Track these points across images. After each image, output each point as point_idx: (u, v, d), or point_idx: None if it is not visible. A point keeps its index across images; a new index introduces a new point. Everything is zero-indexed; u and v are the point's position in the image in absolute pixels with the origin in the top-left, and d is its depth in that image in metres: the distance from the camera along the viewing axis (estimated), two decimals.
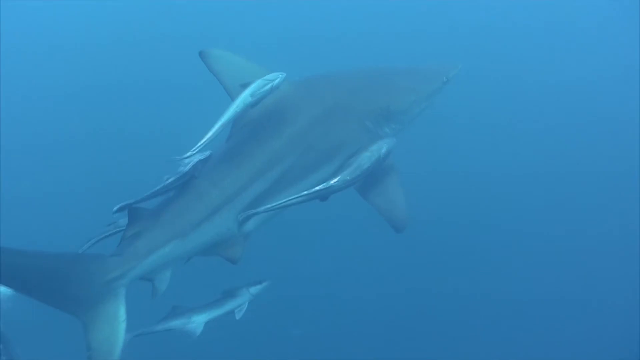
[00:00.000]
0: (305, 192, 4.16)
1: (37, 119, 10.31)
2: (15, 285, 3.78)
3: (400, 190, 4.48)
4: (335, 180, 4.18)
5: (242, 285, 4.86)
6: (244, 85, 4.31)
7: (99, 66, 11.03)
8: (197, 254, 4.35)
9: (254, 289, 4.85)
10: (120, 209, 4.03)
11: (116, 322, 3.89)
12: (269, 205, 4.18)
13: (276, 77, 4.33)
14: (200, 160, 4.18)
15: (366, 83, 5.00)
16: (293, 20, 11.58)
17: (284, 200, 4.16)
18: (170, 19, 12.03)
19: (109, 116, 10.30)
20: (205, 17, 11.73)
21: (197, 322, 4.68)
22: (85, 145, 9.94)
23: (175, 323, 4.68)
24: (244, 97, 4.25)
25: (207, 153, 4.25)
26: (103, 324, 3.86)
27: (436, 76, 5.21)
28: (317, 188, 4.15)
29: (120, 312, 3.92)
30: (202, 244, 4.28)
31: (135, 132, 9.93)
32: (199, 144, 4.09)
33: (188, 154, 4.09)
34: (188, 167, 4.14)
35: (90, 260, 3.92)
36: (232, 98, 4.37)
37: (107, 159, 9.45)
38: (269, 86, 4.30)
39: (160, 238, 4.09)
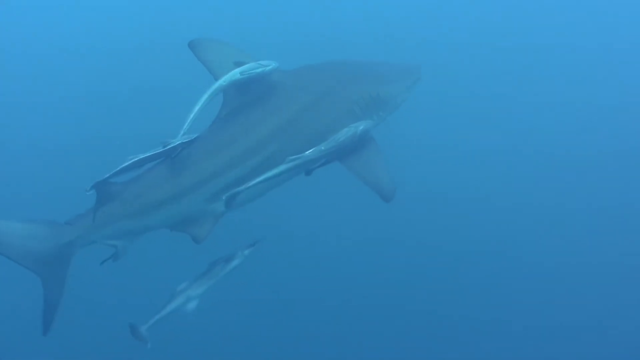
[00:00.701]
0: (283, 165, 4.24)
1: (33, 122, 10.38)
2: None
3: (383, 163, 4.57)
4: (310, 150, 4.28)
5: (234, 251, 4.96)
6: (237, 64, 4.45)
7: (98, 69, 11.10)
8: (161, 228, 4.66)
9: (247, 251, 4.94)
10: (93, 187, 4.27)
11: (61, 281, 4.45)
12: (250, 183, 4.25)
13: (269, 64, 4.47)
14: (183, 143, 4.28)
15: (353, 72, 5.13)
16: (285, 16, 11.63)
17: (264, 176, 4.25)
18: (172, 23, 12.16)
19: (105, 118, 10.35)
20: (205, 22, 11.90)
21: (195, 297, 4.82)
22: (83, 147, 9.98)
23: (175, 304, 4.79)
24: (234, 73, 4.39)
25: (193, 136, 4.35)
26: (52, 281, 4.44)
27: (411, 71, 5.42)
28: (292, 158, 4.24)
29: (65, 273, 4.47)
30: (165, 222, 4.61)
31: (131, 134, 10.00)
32: (186, 124, 4.28)
33: (179, 136, 4.30)
34: (168, 147, 4.26)
35: (48, 225, 4.47)
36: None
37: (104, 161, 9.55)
38: (260, 69, 4.44)
39: (119, 213, 4.50)
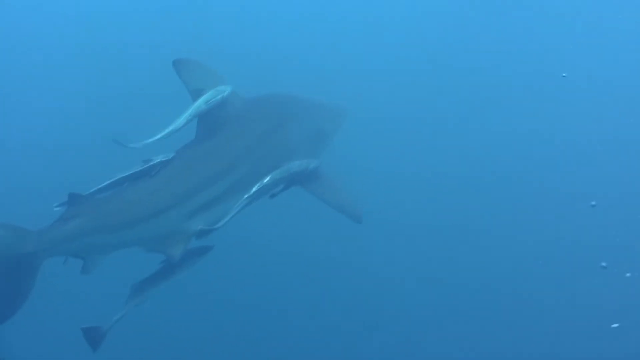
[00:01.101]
0: (246, 196, 4.72)
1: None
2: None
3: (347, 188, 5.09)
4: (267, 179, 4.78)
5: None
6: (198, 92, 4.91)
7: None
8: (134, 245, 4.82)
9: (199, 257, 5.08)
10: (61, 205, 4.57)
11: (23, 288, 4.51)
12: (222, 221, 4.67)
13: (226, 89, 4.92)
14: (161, 162, 4.71)
15: (301, 106, 5.68)
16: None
17: (235, 210, 4.69)
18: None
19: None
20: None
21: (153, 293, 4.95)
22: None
23: (135, 301, 4.90)
24: (199, 104, 4.83)
25: (170, 155, 4.79)
26: (10, 286, 4.48)
27: (342, 110, 6.05)
28: (254, 189, 4.73)
29: (29, 282, 4.53)
30: (139, 239, 4.78)
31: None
32: (153, 138, 4.64)
33: (140, 143, 4.63)
34: (146, 166, 4.66)
35: (14, 232, 4.47)
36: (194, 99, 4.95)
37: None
38: (219, 96, 4.89)
39: (92, 227, 4.60)
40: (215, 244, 5.08)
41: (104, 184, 4.63)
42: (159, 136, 4.66)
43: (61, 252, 4.64)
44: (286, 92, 5.78)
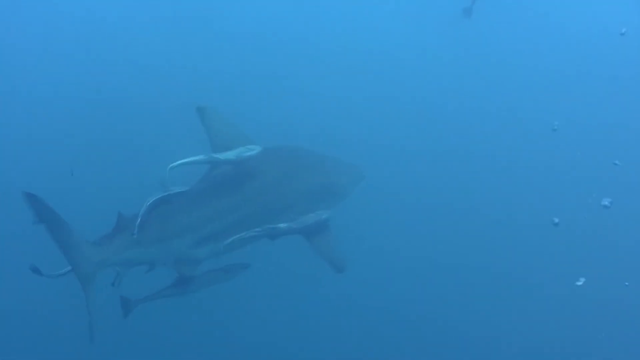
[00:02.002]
0: (258, 228, 5.32)
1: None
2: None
3: (336, 244, 5.64)
4: (284, 224, 5.40)
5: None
6: (228, 143, 5.58)
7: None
8: (157, 263, 5.45)
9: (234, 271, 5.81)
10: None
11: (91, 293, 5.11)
12: (230, 239, 5.28)
13: (255, 149, 5.56)
14: (178, 193, 5.36)
15: (317, 163, 6.27)
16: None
17: (241, 234, 5.29)
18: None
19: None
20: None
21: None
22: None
23: (169, 292, 5.64)
24: (229, 154, 5.49)
25: (186, 188, 5.45)
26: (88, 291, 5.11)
27: (356, 170, 6.59)
28: (268, 226, 5.35)
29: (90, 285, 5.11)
30: (160, 257, 5.39)
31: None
32: (180, 162, 5.28)
33: (170, 166, 5.28)
34: (165, 194, 5.32)
35: (89, 244, 5.11)
36: (213, 147, 5.64)
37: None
38: (248, 154, 5.53)
39: (126, 244, 5.23)
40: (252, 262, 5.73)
41: (147, 205, 5.28)
42: (181, 162, 5.31)
43: (112, 264, 5.28)
44: (303, 146, 6.40)
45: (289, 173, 5.91)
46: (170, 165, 5.30)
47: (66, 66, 12.12)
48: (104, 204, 5.67)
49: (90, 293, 5.08)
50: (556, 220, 8.33)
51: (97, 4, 13.42)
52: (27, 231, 5.05)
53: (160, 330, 8.02)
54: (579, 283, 8.25)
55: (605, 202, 8.31)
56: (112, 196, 5.86)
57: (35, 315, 8.69)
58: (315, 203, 5.82)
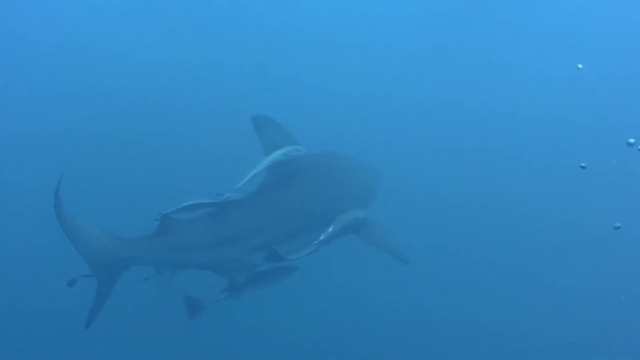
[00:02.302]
0: (316, 242, 5.34)
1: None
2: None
3: (387, 237, 5.75)
4: (332, 228, 5.44)
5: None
6: (278, 147, 5.66)
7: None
8: (205, 268, 5.48)
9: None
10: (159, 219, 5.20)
11: (109, 287, 5.25)
12: (295, 256, 5.27)
13: (301, 150, 5.68)
14: (234, 200, 5.37)
15: (351, 166, 6.44)
16: None
17: (304, 252, 5.31)
18: None
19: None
20: None
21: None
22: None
23: (226, 295, 5.61)
24: (277, 154, 5.58)
25: (240, 196, 5.45)
26: (104, 285, 5.23)
27: (376, 170, 6.65)
28: (321, 238, 5.38)
29: (114, 283, 5.26)
30: (210, 263, 5.45)
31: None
32: (243, 181, 5.33)
33: (237, 186, 5.35)
34: (223, 198, 5.33)
35: (115, 239, 5.24)
36: (266, 153, 5.67)
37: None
38: (296, 153, 5.65)
39: (173, 246, 5.30)
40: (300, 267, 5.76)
41: (180, 206, 5.28)
42: (246, 179, 5.37)
43: (145, 263, 5.36)
44: (338, 151, 6.50)
45: (334, 178, 6.07)
46: (237, 185, 5.35)
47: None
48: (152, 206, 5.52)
49: (107, 288, 5.21)
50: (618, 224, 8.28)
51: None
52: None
53: (166, 331, 8.04)
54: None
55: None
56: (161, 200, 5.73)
57: (42, 315, 8.64)
58: (355, 205, 5.90)
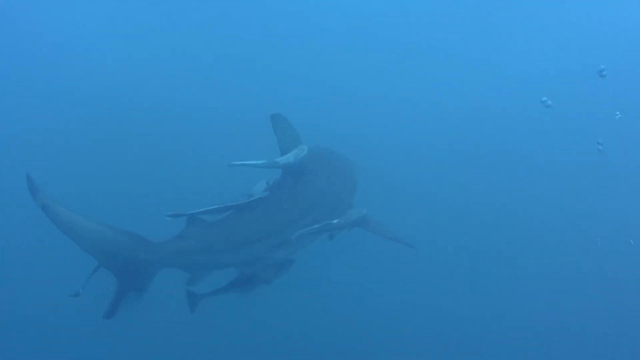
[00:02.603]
0: (317, 225, 5.59)
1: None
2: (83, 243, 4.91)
3: (388, 226, 6.13)
4: (335, 220, 5.76)
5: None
6: (286, 149, 5.90)
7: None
8: (234, 266, 5.54)
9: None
10: (174, 216, 5.17)
11: (138, 289, 5.11)
12: (299, 232, 5.50)
13: (305, 149, 5.89)
14: (260, 198, 5.48)
15: (344, 163, 6.82)
16: None
17: (309, 228, 5.52)
18: None
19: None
20: None
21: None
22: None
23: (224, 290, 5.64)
24: (288, 157, 5.81)
25: (266, 194, 5.61)
26: (126, 286, 5.08)
27: (360, 168, 7.02)
28: (325, 222, 5.68)
29: (143, 285, 5.13)
30: (239, 261, 5.49)
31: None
32: (241, 162, 5.41)
33: (231, 163, 5.38)
34: (248, 200, 5.43)
35: (137, 240, 5.08)
36: (281, 150, 5.93)
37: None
38: (303, 155, 5.84)
39: (200, 247, 5.26)
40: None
41: (210, 208, 5.30)
42: (245, 162, 5.46)
43: (173, 265, 5.29)
44: (327, 147, 6.79)
45: (335, 173, 6.43)
46: (232, 162, 5.38)
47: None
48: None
49: (136, 294, 5.09)
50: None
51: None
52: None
53: (165, 328, 8.15)
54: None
55: None
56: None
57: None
58: (350, 198, 6.35)
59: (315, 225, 5.56)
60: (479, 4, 14.22)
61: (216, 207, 5.29)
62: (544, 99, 10.62)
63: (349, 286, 9.29)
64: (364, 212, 6.03)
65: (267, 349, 8.69)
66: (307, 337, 8.78)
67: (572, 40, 14.05)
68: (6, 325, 8.59)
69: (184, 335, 8.31)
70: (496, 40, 14.08)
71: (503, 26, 14.19)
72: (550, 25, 14.28)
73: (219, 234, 5.38)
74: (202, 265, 5.39)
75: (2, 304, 8.78)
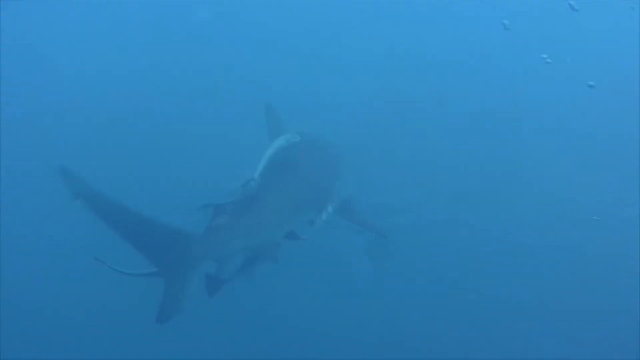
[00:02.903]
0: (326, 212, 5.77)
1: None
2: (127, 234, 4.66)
3: (368, 214, 6.25)
4: (331, 207, 5.89)
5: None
6: (279, 134, 6.05)
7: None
8: (249, 250, 5.39)
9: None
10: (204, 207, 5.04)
11: (181, 285, 4.74)
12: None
13: (296, 136, 6.02)
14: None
15: (329, 147, 6.97)
16: None
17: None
18: None
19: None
20: None
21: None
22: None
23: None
24: (281, 139, 5.92)
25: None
26: (172, 283, 4.74)
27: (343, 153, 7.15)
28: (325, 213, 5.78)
29: (191, 280, 4.80)
30: (257, 243, 5.30)
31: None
32: (259, 170, 5.39)
33: (254, 176, 5.34)
34: (250, 191, 5.30)
35: (182, 233, 4.76)
36: (270, 137, 6.11)
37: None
38: (295, 140, 5.98)
39: (234, 234, 5.08)
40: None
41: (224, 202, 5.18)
42: (262, 165, 5.47)
43: (212, 257, 5.10)
44: (320, 136, 6.96)
45: (326, 160, 6.65)
46: (251, 180, 5.30)
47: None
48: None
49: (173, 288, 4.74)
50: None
51: None
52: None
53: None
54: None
55: None
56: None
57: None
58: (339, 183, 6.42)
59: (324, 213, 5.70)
60: None
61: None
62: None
63: (349, 283, 9.31)
64: (352, 196, 6.14)
65: (267, 346, 8.75)
66: (307, 334, 8.83)
67: None
68: (6, 325, 8.57)
69: (183, 332, 8.25)
70: None
71: None
72: None
73: (244, 221, 5.15)
74: (244, 248, 5.26)
75: (4, 304, 8.77)
